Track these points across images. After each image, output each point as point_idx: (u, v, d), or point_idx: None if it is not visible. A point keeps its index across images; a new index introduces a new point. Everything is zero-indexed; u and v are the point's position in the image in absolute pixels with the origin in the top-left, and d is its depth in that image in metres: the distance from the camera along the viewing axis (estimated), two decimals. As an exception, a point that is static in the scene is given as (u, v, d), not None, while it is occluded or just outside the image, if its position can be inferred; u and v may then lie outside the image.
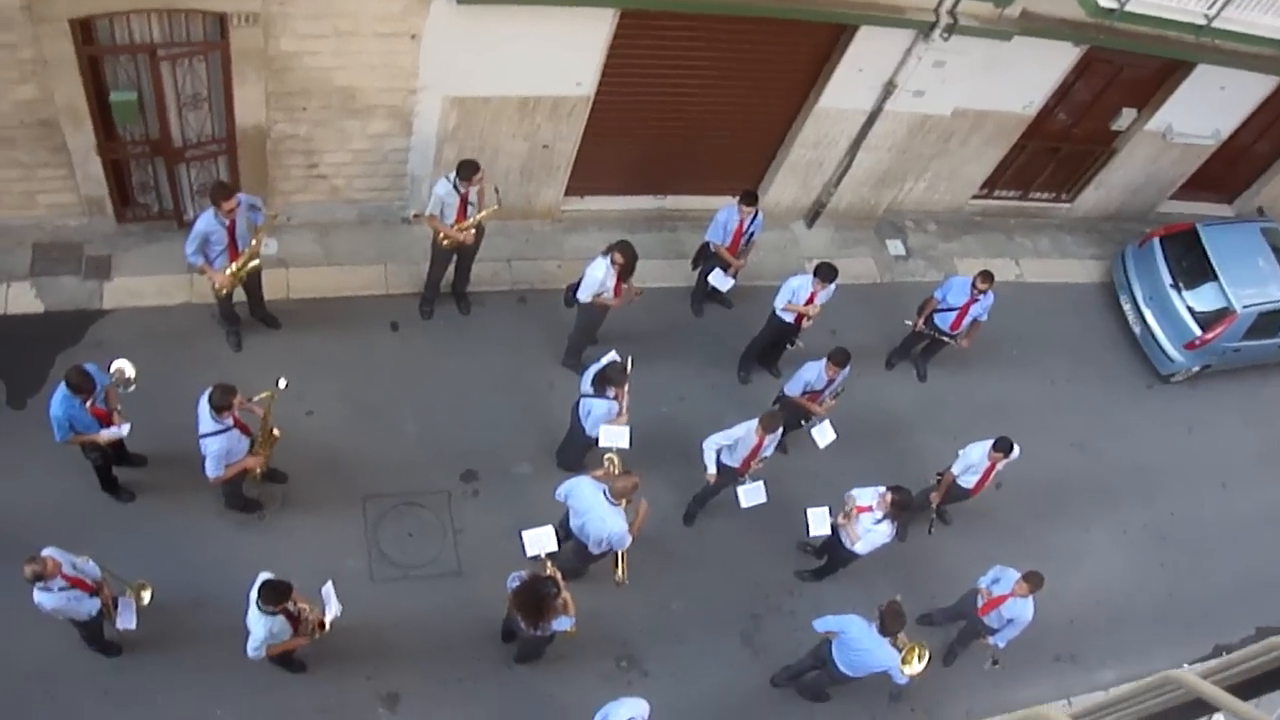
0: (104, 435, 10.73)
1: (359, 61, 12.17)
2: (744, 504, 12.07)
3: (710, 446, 11.86)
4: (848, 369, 12.48)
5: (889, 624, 10.64)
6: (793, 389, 12.74)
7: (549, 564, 10.47)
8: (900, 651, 10.77)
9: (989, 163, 16.42)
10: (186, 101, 12.47)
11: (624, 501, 10.55)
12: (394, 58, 12.18)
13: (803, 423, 13.15)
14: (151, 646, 11.22)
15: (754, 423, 11.49)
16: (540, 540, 10.69)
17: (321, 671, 11.35)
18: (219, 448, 10.40)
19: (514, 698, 11.71)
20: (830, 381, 12.54)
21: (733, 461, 11.91)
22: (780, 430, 11.68)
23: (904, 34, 13.39)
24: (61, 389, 10.36)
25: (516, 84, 12.83)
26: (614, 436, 11.49)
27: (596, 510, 10.57)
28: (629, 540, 10.78)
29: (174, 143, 12.81)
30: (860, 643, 10.77)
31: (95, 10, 11.29)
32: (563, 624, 10.27)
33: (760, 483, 12.12)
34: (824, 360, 12.37)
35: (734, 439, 11.72)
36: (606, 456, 11.46)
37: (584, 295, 12.44)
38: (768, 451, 11.97)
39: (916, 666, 10.85)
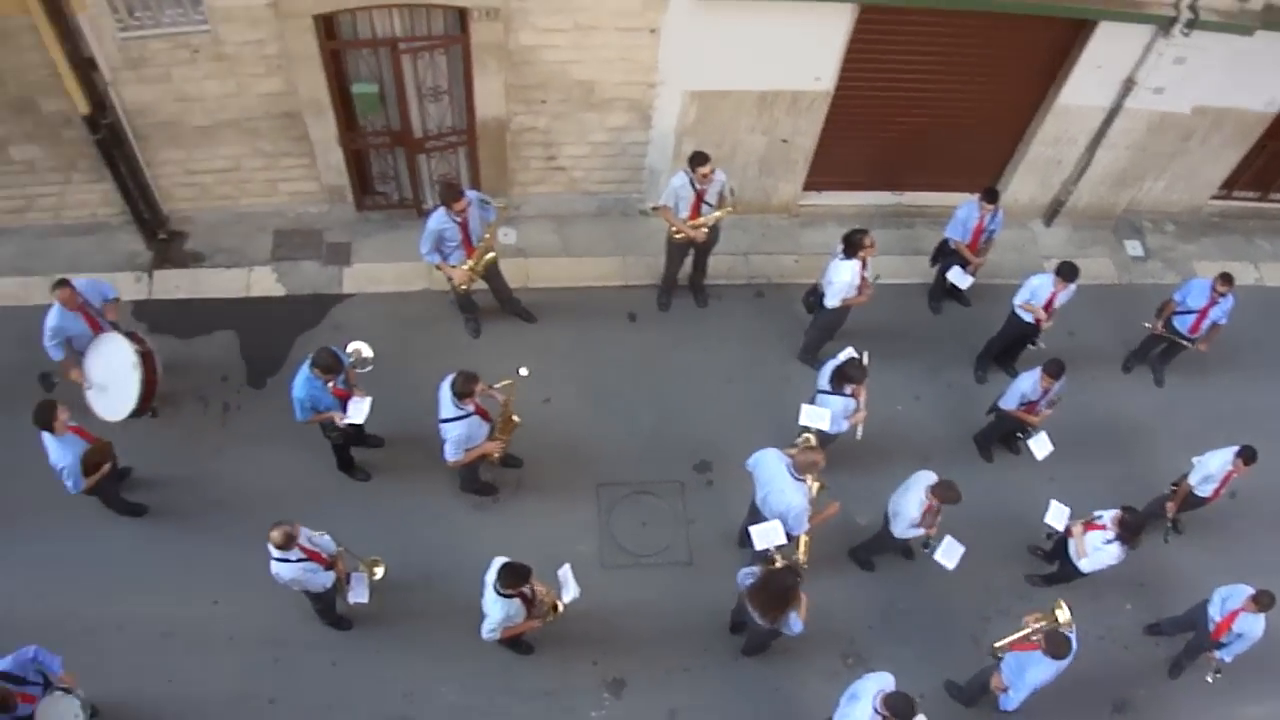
0: (344, 417, 11.24)
1: (598, 56, 12.45)
2: (948, 566, 11.70)
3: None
4: (1063, 380, 12.22)
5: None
6: (1008, 402, 12.53)
7: (778, 557, 10.50)
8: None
9: (1228, 162, 15.90)
10: (427, 94, 12.94)
11: (808, 478, 10.53)
12: (633, 52, 12.42)
13: (1019, 436, 13.01)
14: (381, 622, 11.73)
15: (924, 487, 11.13)
16: (769, 535, 10.63)
17: (548, 654, 11.65)
18: (459, 433, 10.76)
19: (739, 689, 11.81)
20: (1045, 392, 12.30)
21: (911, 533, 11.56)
22: (958, 499, 11.14)
23: (1144, 29, 13.08)
24: (304, 370, 10.90)
25: (755, 78, 12.94)
26: (814, 416, 11.42)
27: (778, 482, 10.56)
28: (806, 520, 10.67)
29: (414, 133, 13.29)
30: None
31: (338, 6, 11.87)
32: (795, 625, 10.30)
33: (951, 540, 11.86)
34: (1038, 371, 12.15)
35: (908, 519, 11.32)
36: (804, 435, 11.39)
37: (834, 301, 12.42)
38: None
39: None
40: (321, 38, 12.11)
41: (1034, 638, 10.55)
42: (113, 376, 11.96)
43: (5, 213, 14.56)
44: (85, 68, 12.29)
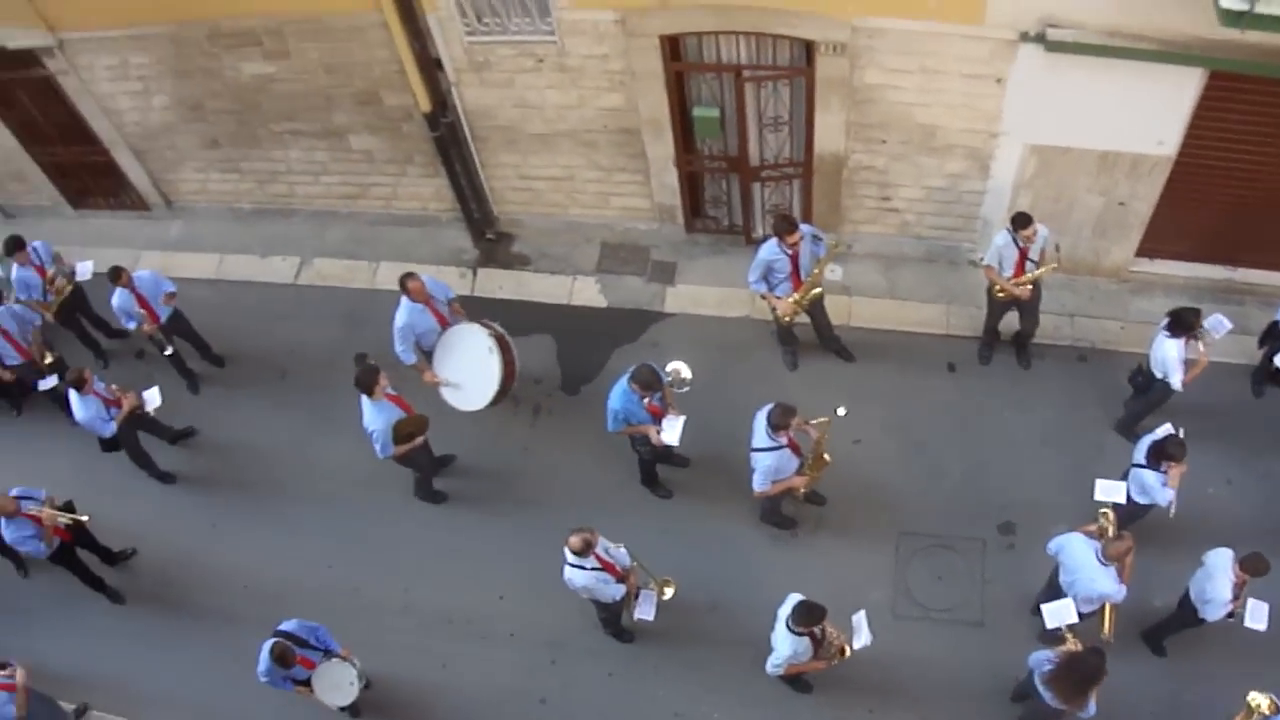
0: (659, 434, 11.58)
1: (942, 100, 12.50)
2: (1260, 628, 11.19)
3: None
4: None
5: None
6: None
7: (1070, 637, 10.35)
8: None
9: None
10: (767, 123, 13.24)
11: (1115, 563, 10.37)
12: (978, 100, 12.44)
13: None
14: (663, 641, 12.11)
15: (1231, 566, 10.66)
16: (1061, 613, 10.54)
17: (825, 695, 11.71)
18: (770, 464, 11.00)
19: (1013, 759, 11.72)
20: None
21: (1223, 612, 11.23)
22: (1267, 569, 10.62)
23: None
24: (623, 383, 11.36)
25: (1097, 137, 12.75)
26: (1109, 491, 11.23)
27: (1087, 570, 10.41)
28: (1122, 596, 10.51)
29: (750, 161, 13.61)
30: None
31: (686, 29, 12.26)
32: (1091, 709, 10.07)
33: (1255, 602, 11.43)
34: None
35: (1221, 603, 10.93)
36: (1101, 511, 11.16)
37: (1176, 383, 12.12)
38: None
39: None
40: (666, 58, 12.55)
41: None
42: (468, 368, 12.57)
43: (339, 198, 15.65)
44: (431, 67, 13.17)
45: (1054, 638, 10.55)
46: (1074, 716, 10.30)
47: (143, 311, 13.64)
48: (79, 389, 12.77)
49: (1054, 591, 10.96)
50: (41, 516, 12.24)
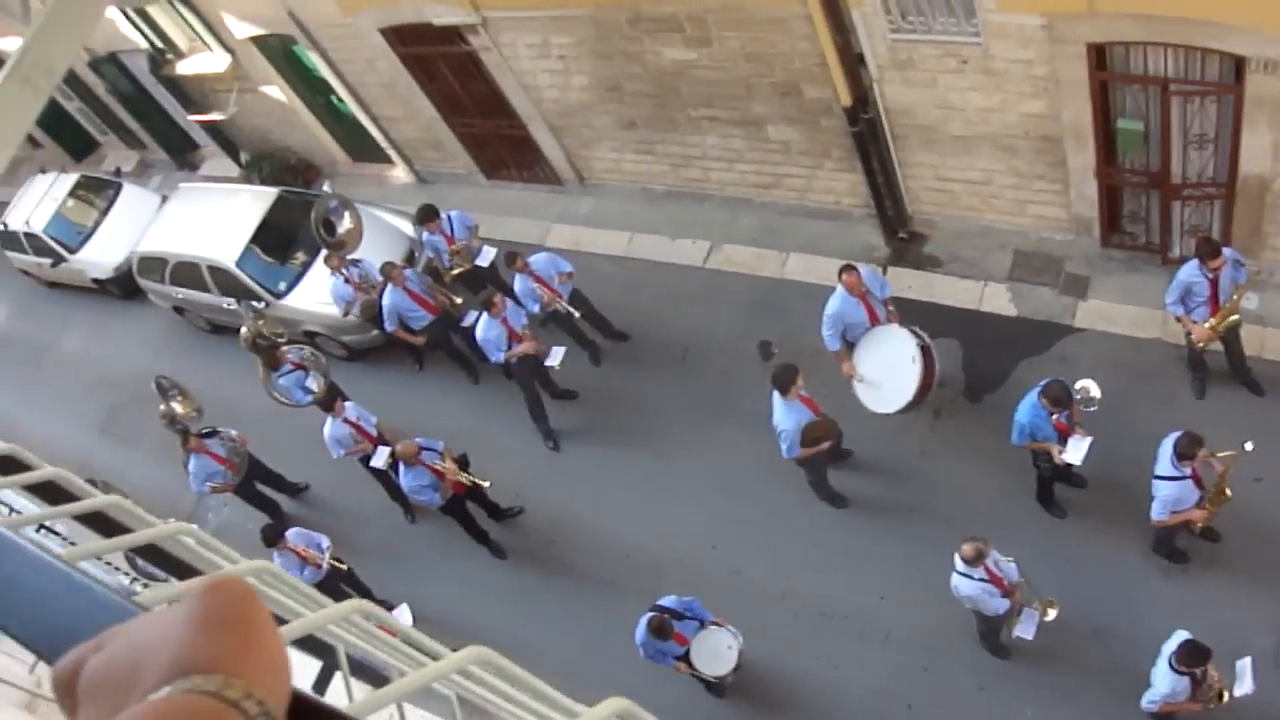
0: (1063, 453, 11.79)
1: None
2: None
3: None
4: None
5: None
6: None
7: None
8: None
9: None
10: (1192, 140, 13.09)
11: None
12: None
13: None
14: (1038, 662, 12.17)
15: None
16: None
17: None
18: (1171, 493, 11.03)
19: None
20: None
21: None
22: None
23: None
24: (1033, 396, 11.63)
25: None
26: None
27: None
28: None
29: (1172, 178, 13.51)
30: None
31: (1113, 38, 12.30)
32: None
33: None
34: None
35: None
36: None
37: None
38: None
39: None
40: (1092, 67, 12.59)
41: None
42: (887, 370, 12.99)
43: (753, 186, 16.40)
44: (853, 62, 13.66)
45: None
46: None
47: (544, 292, 14.81)
48: (489, 310, 14.28)
49: None
50: (445, 470, 13.59)
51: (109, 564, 10.77)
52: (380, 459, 14.56)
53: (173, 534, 3.68)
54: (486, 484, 14.14)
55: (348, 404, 14.77)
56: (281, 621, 2.76)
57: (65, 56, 2.58)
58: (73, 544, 5.02)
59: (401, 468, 13.65)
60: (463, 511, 14.50)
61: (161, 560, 4.69)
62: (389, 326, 15.77)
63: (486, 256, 16.19)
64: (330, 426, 14.64)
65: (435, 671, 2.72)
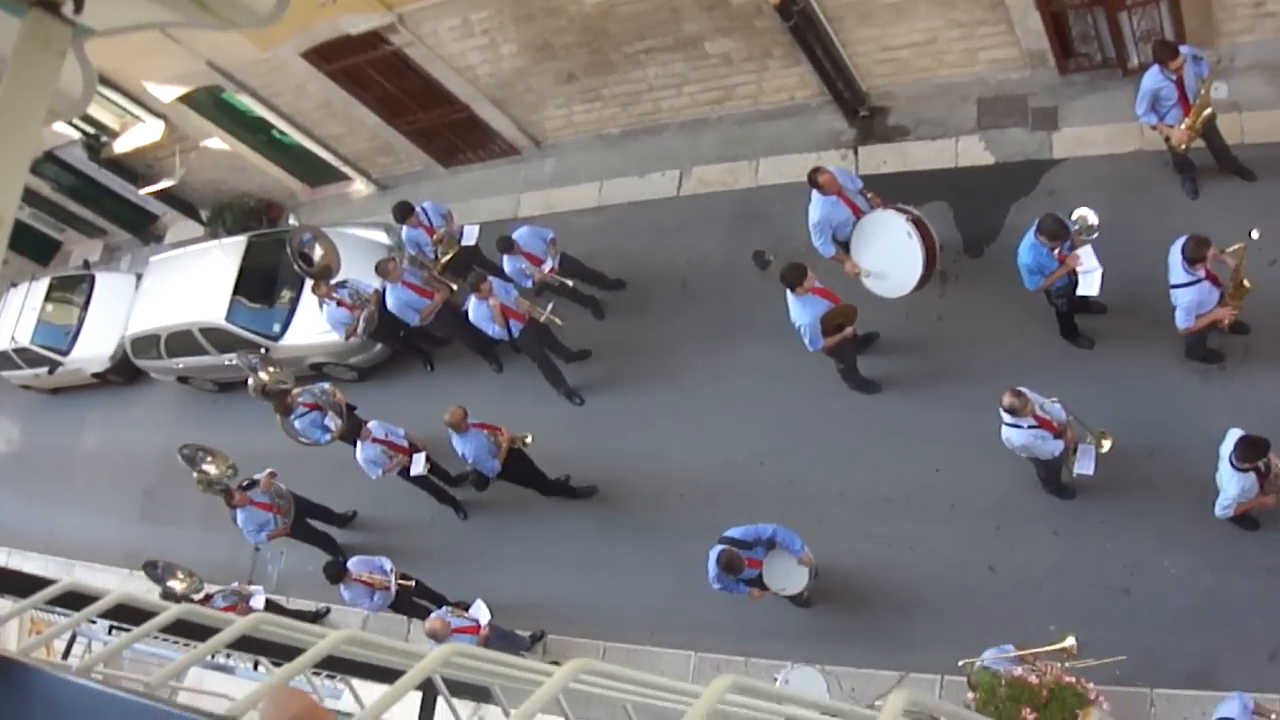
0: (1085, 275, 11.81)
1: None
2: None
3: None
4: None
5: None
6: None
7: None
8: None
9: None
10: (1126, -51, 12.97)
11: None
12: None
13: None
14: (1105, 493, 12.17)
15: None
16: None
17: (1275, 530, 11.38)
18: (1191, 298, 11.01)
19: None
20: None
21: None
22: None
23: None
24: (1030, 236, 11.64)
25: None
26: None
27: None
28: None
29: (1114, -9, 13.35)
30: None
31: None
32: None
33: None
34: None
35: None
36: None
37: None
38: None
39: None
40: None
41: None
42: (889, 255, 12.97)
43: (706, 104, 16.39)
44: (768, -42, 13.52)
45: None
46: None
47: (534, 266, 14.85)
48: (476, 293, 14.46)
49: None
50: (493, 427, 13.88)
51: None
52: (418, 466, 14.78)
53: (340, 642, 3.73)
54: (529, 439, 14.30)
55: (372, 423, 14.83)
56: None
57: (10, 199, 2.57)
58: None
59: (457, 440, 13.78)
60: (525, 468, 14.62)
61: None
62: (412, 321, 15.91)
63: (471, 235, 16.27)
64: (362, 450, 14.70)
65: (543, 696, 2.77)
